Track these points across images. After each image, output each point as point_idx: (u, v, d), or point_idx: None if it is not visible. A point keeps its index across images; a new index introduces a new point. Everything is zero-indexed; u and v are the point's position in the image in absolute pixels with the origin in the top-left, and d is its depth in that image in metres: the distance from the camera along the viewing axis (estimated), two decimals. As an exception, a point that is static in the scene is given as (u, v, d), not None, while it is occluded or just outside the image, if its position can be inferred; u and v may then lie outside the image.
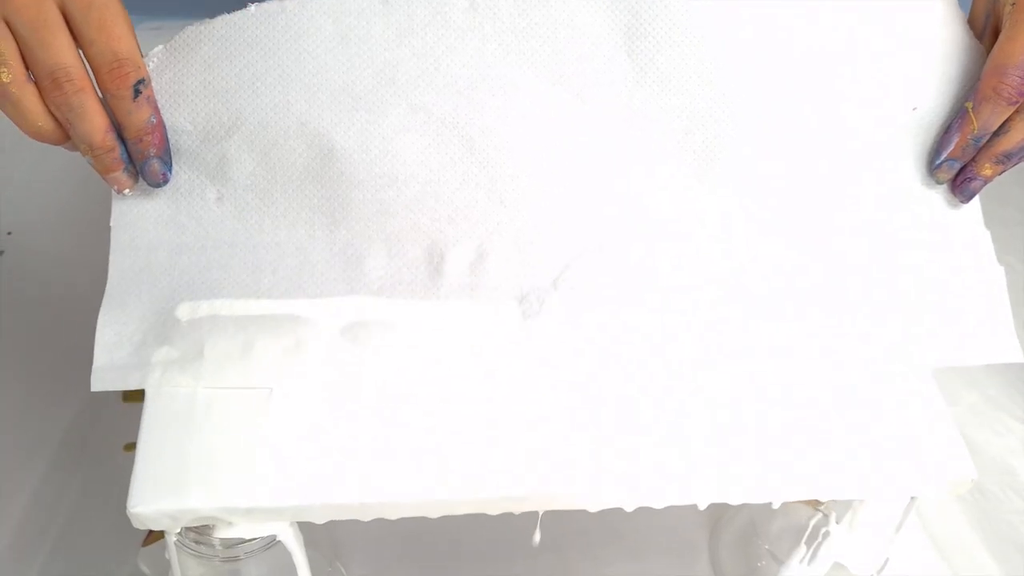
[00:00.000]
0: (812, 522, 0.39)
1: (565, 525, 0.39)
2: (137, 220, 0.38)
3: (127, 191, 0.37)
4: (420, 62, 0.38)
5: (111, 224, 0.38)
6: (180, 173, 0.38)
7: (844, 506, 0.38)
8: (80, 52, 0.33)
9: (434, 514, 0.34)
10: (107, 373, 0.36)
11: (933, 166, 0.39)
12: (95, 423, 0.50)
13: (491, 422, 0.35)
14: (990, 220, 0.40)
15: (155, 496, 0.32)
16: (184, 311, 0.37)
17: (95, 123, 0.34)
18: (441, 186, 0.38)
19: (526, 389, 0.36)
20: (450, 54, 0.38)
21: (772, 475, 0.34)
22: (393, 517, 0.33)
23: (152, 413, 0.35)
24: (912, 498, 0.36)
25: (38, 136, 0.34)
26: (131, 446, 0.34)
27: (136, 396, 0.36)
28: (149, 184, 0.37)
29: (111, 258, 0.38)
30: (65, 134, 0.34)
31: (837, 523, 0.38)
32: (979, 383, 0.54)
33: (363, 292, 0.38)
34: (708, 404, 0.36)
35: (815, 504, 0.40)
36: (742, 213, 0.39)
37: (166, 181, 0.37)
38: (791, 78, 0.39)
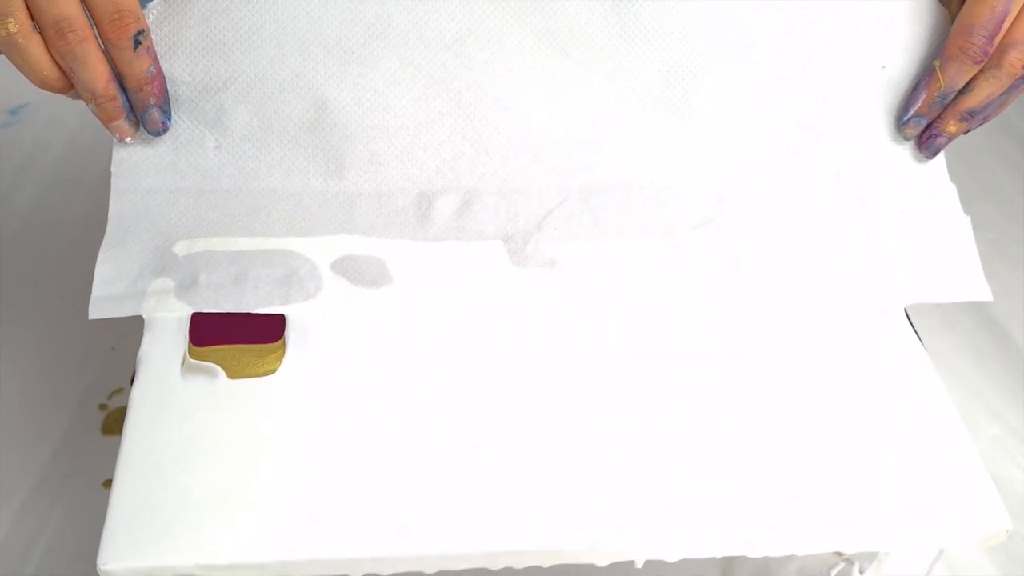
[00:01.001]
0: (834, 572, 0.36)
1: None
2: (137, 166, 0.40)
3: (128, 139, 0.39)
4: (410, 16, 0.40)
5: (112, 170, 0.40)
6: (179, 122, 0.40)
7: (869, 555, 0.35)
8: (83, 5, 0.35)
9: (430, 570, 0.31)
10: (104, 303, 0.37)
11: (900, 122, 0.42)
12: (75, 458, 0.47)
13: (492, 463, 0.33)
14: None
15: (128, 552, 0.30)
16: (181, 247, 0.38)
17: (97, 72, 0.36)
18: (430, 137, 0.40)
19: (522, 390, 0.35)
20: (439, 9, 0.40)
21: (793, 526, 0.32)
22: (386, 573, 0.31)
23: (128, 453, 0.33)
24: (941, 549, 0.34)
25: (44, 84, 0.36)
26: (110, 482, 0.32)
27: (115, 429, 0.34)
28: (149, 132, 0.39)
29: (111, 203, 0.39)
30: (69, 83, 0.37)
31: (861, 573, 0.36)
32: (1002, 415, 0.52)
33: (354, 232, 0.39)
34: (721, 445, 0.33)
35: (837, 552, 0.37)
36: (719, 163, 0.41)
37: (165, 130, 0.39)
38: (766, 36, 0.41)
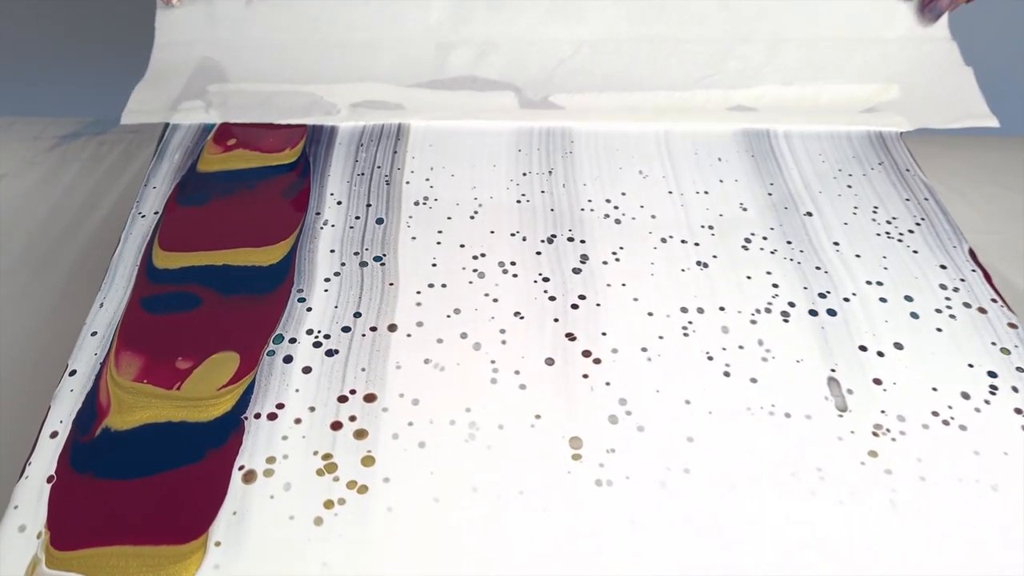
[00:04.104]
0: None
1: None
2: (178, 22, 0.47)
3: (174, 3, 0.47)
4: None
5: (156, 27, 0.47)
6: None
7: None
8: None
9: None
10: (136, 114, 0.46)
11: None
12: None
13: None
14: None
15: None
16: (214, 87, 0.46)
17: None
18: None
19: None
20: None
21: None
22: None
23: None
24: None
25: None
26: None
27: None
28: None
29: (153, 54, 0.47)
30: None
31: None
32: None
33: (374, 80, 0.46)
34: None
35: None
36: (728, 19, 0.48)
37: None
38: None
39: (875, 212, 0.43)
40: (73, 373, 0.34)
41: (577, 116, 0.46)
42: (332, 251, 0.40)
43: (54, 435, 0.32)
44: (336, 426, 0.32)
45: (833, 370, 0.35)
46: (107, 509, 0.30)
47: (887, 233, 0.42)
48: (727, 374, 0.35)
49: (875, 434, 0.33)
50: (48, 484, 0.30)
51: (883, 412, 0.33)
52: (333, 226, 0.41)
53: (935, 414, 0.33)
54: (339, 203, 0.42)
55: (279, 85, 0.46)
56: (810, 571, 0.29)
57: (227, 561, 0.29)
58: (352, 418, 0.33)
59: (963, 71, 0.49)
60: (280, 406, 0.33)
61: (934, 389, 0.34)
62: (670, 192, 0.44)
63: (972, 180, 0.62)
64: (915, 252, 0.40)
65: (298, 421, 0.33)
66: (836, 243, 0.41)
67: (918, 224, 0.42)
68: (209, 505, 0.30)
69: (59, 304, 0.53)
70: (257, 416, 0.33)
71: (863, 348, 0.36)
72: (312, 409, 0.33)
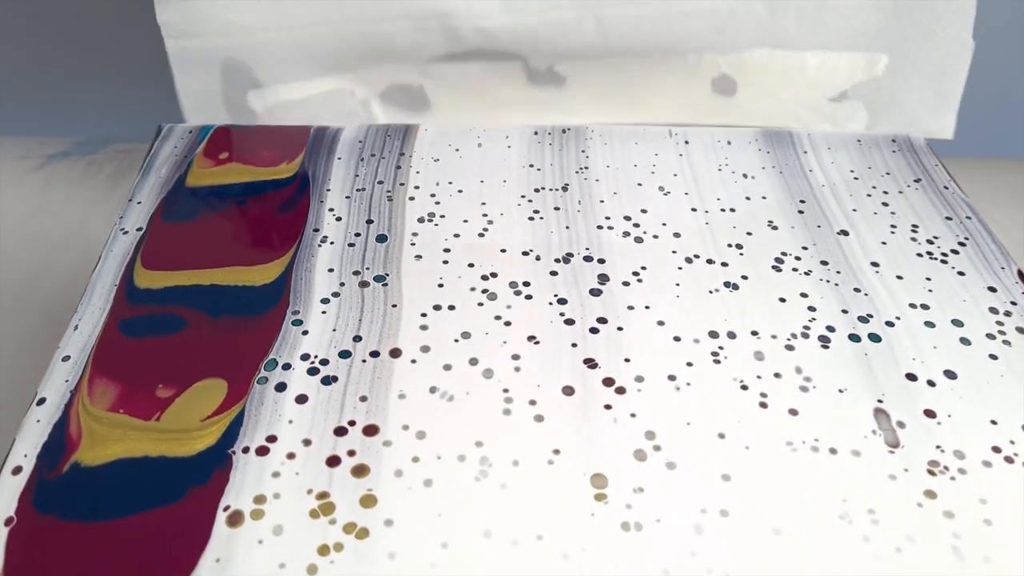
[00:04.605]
0: None
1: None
2: (186, 12, 0.46)
3: None
4: None
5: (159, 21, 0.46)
6: None
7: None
8: None
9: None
10: (198, 113, 0.49)
11: None
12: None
13: None
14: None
15: None
16: (254, 94, 0.49)
17: None
18: None
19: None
20: None
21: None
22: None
23: None
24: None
25: None
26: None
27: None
28: None
29: (169, 47, 0.47)
30: None
31: None
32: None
33: (394, 62, 0.48)
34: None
35: None
36: None
37: None
38: None
39: (915, 231, 0.40)
40: (42, 402, 0.31)
41: (580, 92, 0.48)
42: (331, 270, 0.37)
43: (17, 471, 0.28)
44: (333, 462, 0.29)
45: (880, 401, 0.32)
46: (72, 556, 0.26)
47: (929, 254, 0.39)
48: (764, 405, 0.32)
49: (931, 472, 0.30)
50: (6, 527, 0.27)
51: (939, 448, 0.30)
52: (332, 243, 0.38)
53: (996, 450, 0.30)
54: (338, 219, 0.39)
55: (312, 83, 0.47)
56: (868, 628, 0.26)
57: (208, 616, 0.25)
58: (351, 453, 0.29)
59: (957, 73, 0.48)
60: (271, 439, 0.30)
61: (993, 422, 0.31)
62: (694, 210, 0.41)
63: (996, 203, 0.60)
64: (961, 274, 0.37)
65: (291, 456, 0.29)
66: (875, 263, 0.38)
67: (962, 244, 0.39)
68: (189, 551, 0.27)
69: (41, 330, 0.50)
70: (245, 450, 0.29)
71: (912, 377, 0.33)
72: (307, 443, 0.30)
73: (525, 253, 0.38)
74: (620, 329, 0.34)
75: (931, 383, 0.33)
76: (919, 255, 0.38)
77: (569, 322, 0.34)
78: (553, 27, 0.47)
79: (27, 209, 0.61)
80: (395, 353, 0.33)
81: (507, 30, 0.47)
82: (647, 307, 0.35)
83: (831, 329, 0.35)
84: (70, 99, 0.69)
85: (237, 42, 0.47)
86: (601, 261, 0.38)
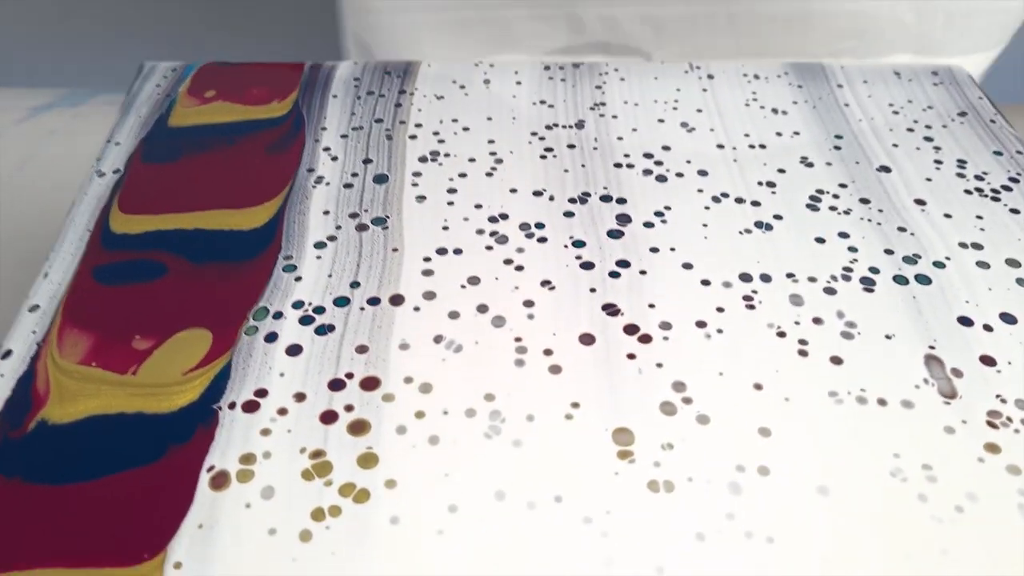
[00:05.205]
0: None
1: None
2: None
3: None
4: None
5: None
6: None
7: None
8: None
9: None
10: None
11: None
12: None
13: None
14: None
15: None
16: None
17: None
18: None
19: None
20: None
21: None
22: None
23: None
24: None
25: None
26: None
27: None
28: None
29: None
30: None
31: None
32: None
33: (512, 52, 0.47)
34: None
35: None
36: None
37: None
38: None
39: (962, 167, 0.37)
40: (8, 355, 0.28)
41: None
42: (326, 212, 0.34)
43: (-22, 430, 0.26)
44: (329, 418, 0.26)
45: (932, 347, 0.29)
46: (38, 523, 0.23)
47: (978, 190, 0.35)
48: (803, 353, 0.29)
49: (992, 424, 0.27)
50: (-35, 491, 0.24)
51: (999, 398, 0.27)
52: (328, 184, 0.35)
53: (1062, 399, 0.27)
54: (334, 159, 0.36)
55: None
56: (928, 597, 0.23)
57: (189, 588, 0.22)
58: (348, 408, 0.27)
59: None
60: (261, 393, 0.27)
61: (1057, 369, 0.28)
62: (720, 146, 0.37)
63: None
64: (1014, 211, 0.34)
65: (282, 412, 0.26)
66: (920, 201, 0.35)
67: (1014, 180, 0.36)
68: (169, 516, 0.24)
69: (26, 287, 0.48)
70: (232, 406, 0.27)
71: (966, 321, 0.30)
72: (300, 397, 0.27)
73: (537, 193, 0.35)
74: (643, 273, 0.31)
75: (988, 328, 0.29)
76: (967, 192, 0.35)
77: (587, 266, 0.31)
78: (683, 22, 0.43)
79: (11, 162, 0.58)
80: (396, 300, 0.30)
81: (634, 21, 0.43)
82: (672, 249, 0.32)
83: (875, 271, 0.31)
84: (55, 50, 0.66)
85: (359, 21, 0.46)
86: (621, 201, 0.34)
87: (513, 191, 0.35)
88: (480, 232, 0.33)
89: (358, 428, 0.26)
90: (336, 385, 0.27)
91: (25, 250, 0.52)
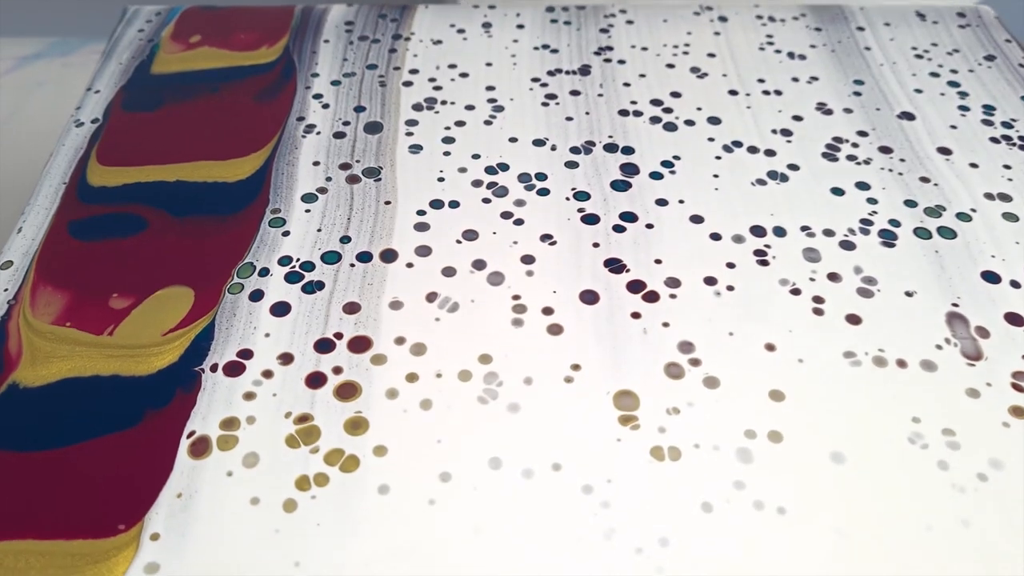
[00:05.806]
0: None
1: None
2: None
3: None
4: None
5: None
6: None
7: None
8: None
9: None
10: None
11: None
12: None
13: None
14: None
15: None
16: None
17: None
18: None
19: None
20: None
21: None
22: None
23: None
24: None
25: None
26: None
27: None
28: None
29: None
30: None
31: None
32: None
33: None
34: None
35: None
36: None
37: None
38: None
39: (989, 114, 0.35)
40: (-21, 315, 0.26)
41: None
42: (316, 163, 0.32)
43: (-54, 394, 0.24)
44: (316, 381, 0.25)
45: (955, 305, 0.27)
46: (6, 492, 0.22)
47: (1006, 138, 0.33)
48: (818, 311, 0.27)
49: (1018, 387, 0.25)
50: (-69, 459, 0.23)
51: None
52: (318, 133, 0.33)
53: (1095, 361, 0.26)
54: (325, 106, 0.34)
55: None
56: (951, 568, 0.21)
57: (167, 560, 0.21)
58: (337, 370, 0.25)
59: None
60: (245, 355, 0.26)
61: (1090, 329, 0.26)
62: (733, 93, 0.35)
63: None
64: (1044, 160, 0.32)
65: (267, 374, 0.25)
66: (944, 150, 0.33)
67: (1045, 127, 0.34)
68: (146, 484, 0.23)
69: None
70: (214, 368, 0.25)
71: (992, 277, 0.28)
72: (286, 359, 0.25)
73: (538, 142, 0.33)
74: (650, 227, 0.30)
75: (1015, 284, 0.28)
76: (995, 140, 0.33)
77: (590, 219, 0.30)
78: None
79: (-3, 114, 0.56)
80: (388, 256, 0.28)
81: None
82: (681, 201, 0.30)
83: (895, 224, 0.30)
84: (43, -5, 0.64)
85: None
86: (627, 151, 0.33)
87: (513, 140, 0.33)
88: (477, 184, 0.31)
89: (347, 392, 0.25)
90: (324, 346, 0.26)
91: (14, 205, 0.51)
